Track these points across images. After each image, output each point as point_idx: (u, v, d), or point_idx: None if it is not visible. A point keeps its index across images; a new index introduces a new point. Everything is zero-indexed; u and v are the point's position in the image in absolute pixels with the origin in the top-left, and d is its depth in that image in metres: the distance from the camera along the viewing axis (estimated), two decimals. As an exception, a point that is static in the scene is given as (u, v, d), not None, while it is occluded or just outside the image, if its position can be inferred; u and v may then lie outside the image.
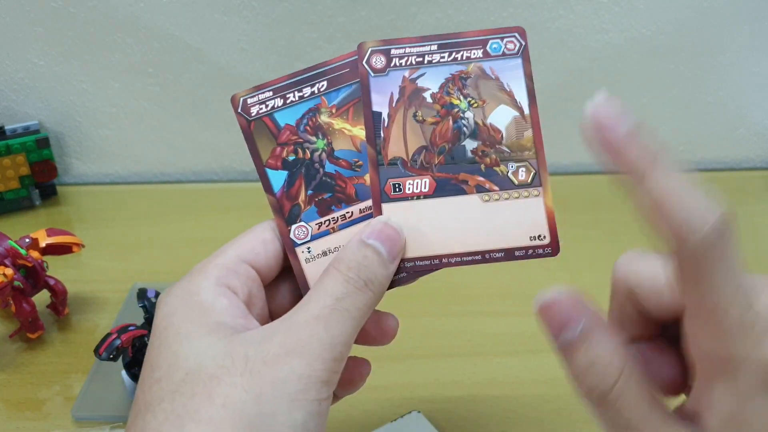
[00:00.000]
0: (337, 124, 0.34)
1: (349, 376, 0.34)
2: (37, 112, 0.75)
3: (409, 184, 0.33)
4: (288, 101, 0.34)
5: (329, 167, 0.33)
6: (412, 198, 0.33)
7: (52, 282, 0.56)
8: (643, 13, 0.71)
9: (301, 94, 0.34)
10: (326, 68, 0.34)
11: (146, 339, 0.49)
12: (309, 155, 0.34)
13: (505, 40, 0.34)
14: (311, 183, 0.33)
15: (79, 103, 0.75)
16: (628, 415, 0.24)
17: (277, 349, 0.27)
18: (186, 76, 0.73)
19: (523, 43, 0.34)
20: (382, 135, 0.33)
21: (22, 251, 0.53)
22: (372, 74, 0.33)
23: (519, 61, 0.34)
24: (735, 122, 0.79)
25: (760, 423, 0.23)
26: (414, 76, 0.34)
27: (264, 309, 0.33)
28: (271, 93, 0.34)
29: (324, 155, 0.34)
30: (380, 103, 0.33)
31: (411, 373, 0.52)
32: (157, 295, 0.52)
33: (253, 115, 0.34)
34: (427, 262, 0.32)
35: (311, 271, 0.33)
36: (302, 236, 0.33)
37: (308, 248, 0.33)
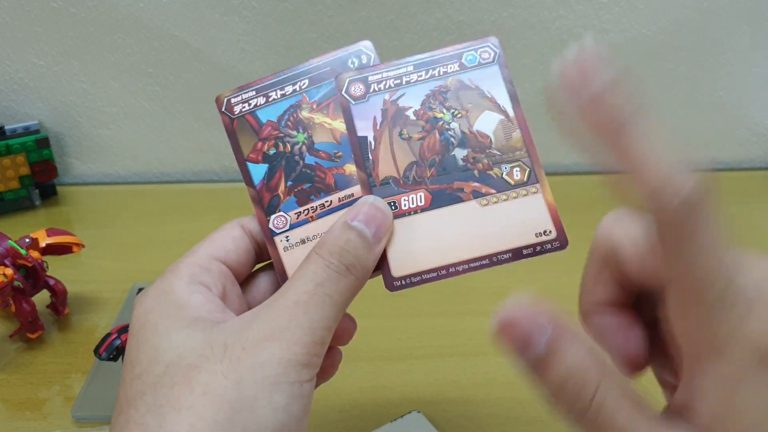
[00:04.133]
0: (318, 118, 0.35)
1: (322, 365, 0.33)
2: (37, 112, 0.75)
3: (405, 200, 0.33)
4: (270, 99, 0.35)
5: (309, 159, 0.34)
6: (409, 213, 0.33)
7: (52, 282, 0.56)
8: (643, 13, 0.71)
9: (283, 92, 0.35)
10: (308, 67, 0.35)
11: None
12: (289, 149, 0.34)
13: (479, 50, 0.34)
14: (291, 174, 0.34)
15: (79, 103, 0.75)
16: (614, 425, 0.22)
17: (256, 334, 0.27)
18: (186, 76, 0.74)
19: (498, 51, 0.34)
20: (370, 158, 0.33)
21: (22, 251, 0.53)
22: (353, 102, 0.34)
23: (496, 68, 0.34)
24: (735, 122, 0.79)
25: (755, 404, 0.21)
26: (394, 97, 0.34)
27: (241, 304, 0.33)
28: (254, 92, 0.35)
29: (304, 148, 0.34)
30: (365, 128, 0.34)
31: (411, 373, 0.52)
32: (157, 295, 0.52)
33: (236, 113, 0.35)
34: (434, 274, 0.32)
35: (289, 259, 0.33)
36: (281, 225, 0.34)
37: (287, 237, 0.34)
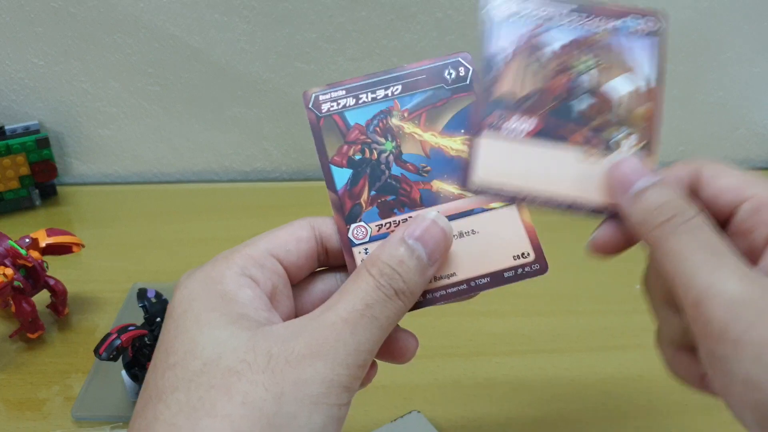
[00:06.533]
0: (408, 127, 0.33)
1: None
2: (37, 112, 0.75)
3: (516, 119, 0.33)
4: (360, 101, 0.33)
5: (395, 170, 0.33)
6: (516, 136, 0.33)
7: (52, 282, 0.56)
8: (643, 13, 0.71)
9: (374, 95, 0.34)
10: (403, 73, 0.34)
11: (146, 339, 0.49)
12: (376, 156, 0.33)
13: (645, 17, 0.35)
14: (375, 184, 0.33)
15: (79, 103, 0.75)
16: (709, 237, 0.27)
17: (302, 348, 0.26)
18: (186, 76, 0.73)
19: (663, 24, 0.34)
20: (493, 74, 0.33)
21: (22, 251, 0.53)
22: (498, 19, 0.34)
23: (653, 40, 0.34)
24: (735, 122, 0.79)
25: None
26: (538, 30, 0.34)
27: (290, 307, 0.31)
28: (343, 92, 0.34)
29: (392, 157, 0.33)
30: (504, 43, 0.33)
31: (411, 373, 0.52)
32: (157, 295, 0.52)
33: (323, 111, 0.33)
34: (516, 193, 0.33)
35: None
36: (361, 236, 0.32)
37: (365, 249, 0.32)
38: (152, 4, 0.69)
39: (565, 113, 0.33)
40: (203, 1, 0.69)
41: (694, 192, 0.31)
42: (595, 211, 0.32)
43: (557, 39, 0.34)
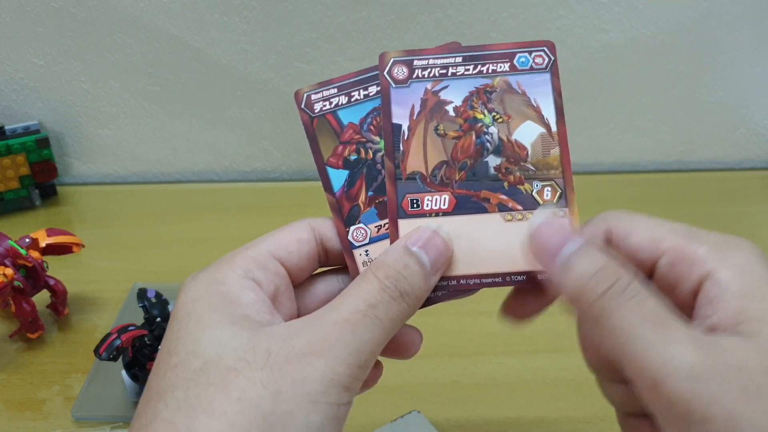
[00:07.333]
0: None
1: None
2: (37, 112, 0.75)
3: (428, 200, 0.32)
4: (353, 99, 0.33)
5: None
6: (429, 215, 0.32)
7: (52, 282, 0.56)
8: (643, 13, 0.71)
9: (366, 92, 0.33)
10: None
11: (146, 339, 0.49)
12: (371, 155, 0.33)
13: (533, 54, 0.33)
14: (372, 184, 0.32)
15: (79, 103, 0.75)
16: (653, 307, 0.25)
17: (302, 347, 0.26)
18: (186, 76, 0.73)
19: (552, 58, 0.33)
20: (401, 148, 0.32)
21: (22, 251, 0.53)
22: (393, 85, 0.32)
23: (547, 76, 0.32)
24: (735, 122, 0.79)
25: None
26: (437, 88, 0.32)
27: (292, 308, 0.32)
28: (335, 90, 0.33)
29: None
30: (401, 115, 0.32)
31: (411, 373, 0.52)
32: (157, 295, 0.52)
33: (316, 111, 0.33)
34: (444, 282, 0.31)
35: None
36: (361, 238, 0.32)
37: (366, 251, 0.32)
38: (152, 4, 0.69)
39: (479, 176, 0.32)
40: (203, 1, 0.69)
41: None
42: (527, 280, 0.31)
43: (456, 94, 0.32)
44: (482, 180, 0.32)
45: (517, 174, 0.32)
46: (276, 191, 0.78)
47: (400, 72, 0.33)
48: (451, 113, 0.32)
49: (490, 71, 0.33)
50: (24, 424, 0.49)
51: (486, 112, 0.32)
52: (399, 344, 0.31)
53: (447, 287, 0.31)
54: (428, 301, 0.31)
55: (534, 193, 0.32)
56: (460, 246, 0.31)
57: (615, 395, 0.30)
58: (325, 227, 0.32)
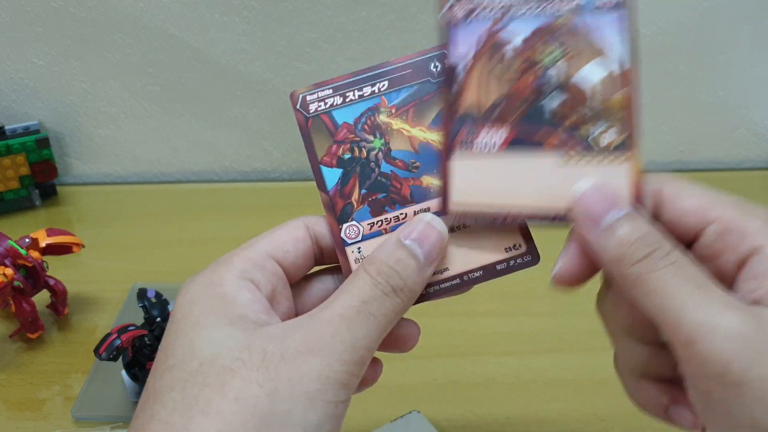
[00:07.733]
0: (396, 124, 0.33)
1: (364, 374, 0.33)
2: (37, 112, 0.75)
3: (485, 134, 0.31)
4: (347, 99, 0.33)
5: (385, 167, 0.33)
6: (487, 149, 0.31)
7: (52, 282, 0.56)
8: (643, 13, 0.70)
9: (361, 93, 0.33)
10: (388, 68, 0.34)
11: (146, 339, 0.49)
12: (365, 154, 0.33)
13: None
14: (365, 182, 0.33)
15: (79, 103, 0.75)
16: (694, 272, 0.26)
17: (297, 345, 0.26)
18: (186, 76, 0.74)
19: None
20: (458, 86, 0.32)
21: (22, 251, 0.53)
22: (454, 23, 0.32)
23: (618, 13, 0.31)
24: (735, 122, 0.79)
25: None
26: (498, 27, 0.32)
27: (290, 307, 0.32)
28: (330, 91, 0.33)
29: (380, 155, 0.33)
30: (463, 49, 0.32)
31: (411, 373, 0.52)
32: (157, 295, 0.52)
33: (311, 112, 0.34)
34: (494, 211, 0.31)
35: None
36: (353, 236, 0.32)
37: (358, 248, 0.32)
38: (152, 4, 0.69)
39: (537, 116, 0.31)
40: (203, 1, 0.69)
41: (656, 214, 0.29)
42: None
43: (518, 32, 0.32)
44: (540, 121, 0.31)
45: (576, 116, 0.31)
46: (276, 191, 0.78)
47: (461, 9, 0.32)
48: (511, 53, 0.32)
49: (554, 10, 0.32)
50: (24, 424, 0.49)
51: (547, 52, 0.32)
52: (397, 338, 0.31)
53: (494, 217, 0.31)
54: (424, 297, 0.31)
55: (596, 134, 0.31)
56: (515, 181, 0.31)
57: (636, 355, 0.30)
58: (319, 225, 0.32)
